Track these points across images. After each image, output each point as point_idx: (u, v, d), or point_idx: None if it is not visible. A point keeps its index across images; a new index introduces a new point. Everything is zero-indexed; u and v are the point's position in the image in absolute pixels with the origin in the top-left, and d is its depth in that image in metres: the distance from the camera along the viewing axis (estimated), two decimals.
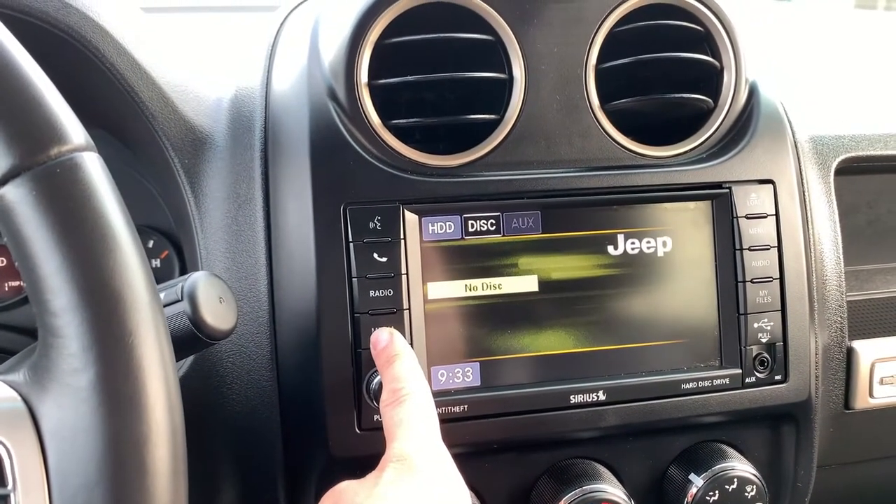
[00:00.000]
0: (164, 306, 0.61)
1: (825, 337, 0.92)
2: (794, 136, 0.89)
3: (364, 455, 0.74)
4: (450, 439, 0.76)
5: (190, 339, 0.62)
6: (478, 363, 0.78)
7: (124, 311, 0.44)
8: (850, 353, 0.97)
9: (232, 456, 0.80)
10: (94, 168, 0.46)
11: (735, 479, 0.82)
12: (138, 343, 0.44)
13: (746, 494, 0.82)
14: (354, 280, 0.73)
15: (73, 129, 0.46)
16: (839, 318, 0.93)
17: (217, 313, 0.62)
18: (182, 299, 0.61)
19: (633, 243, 0.81)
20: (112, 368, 0.43)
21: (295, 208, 0.75)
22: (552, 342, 0.79)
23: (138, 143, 0.87)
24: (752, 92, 0.86)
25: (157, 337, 0.46)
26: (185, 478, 0.47)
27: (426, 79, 0.76)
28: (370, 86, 0.77)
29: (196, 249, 0.81)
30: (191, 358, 0.78)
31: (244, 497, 0.80)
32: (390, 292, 0.74)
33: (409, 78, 0.76)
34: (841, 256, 0.94)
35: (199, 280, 0.62)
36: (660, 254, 0.82)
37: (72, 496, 0.43)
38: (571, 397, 0.78)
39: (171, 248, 0.97)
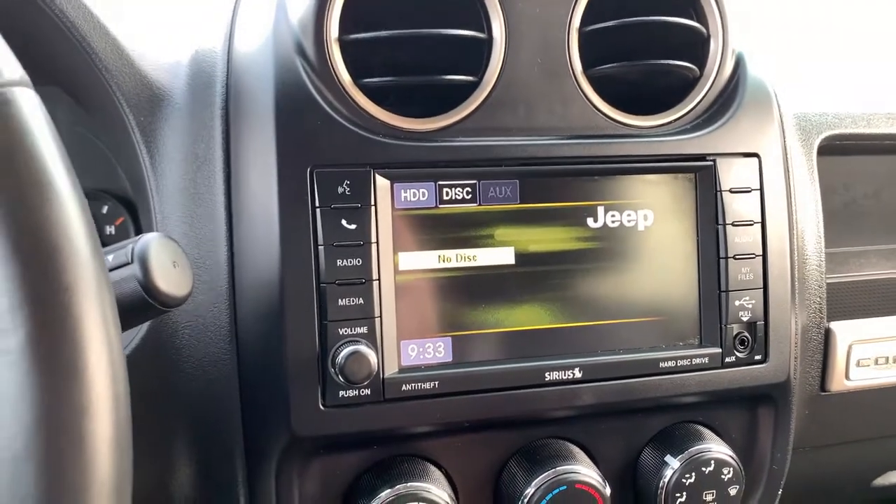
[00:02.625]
0: (113, 269, 0.57)
1: (804, 317, 0.90)
2: (779, 110, 0.87)
3: (328, 434, 0.70)
4: (419, 418, 0.73)
5: (140, 305, 0.57)
6: (450, 338, 0.74)
7: (60, 264, 0.39)
8: (827, 334, 0.95)
9: (188, 432, 0.75)
10: (29, 105, 0.41)
11: (712, 461, 0.79)
12: (76, 301, 0.40)
13: (723, 477, 0.80)
14: (321, 248, 0.69)
15: (5, 62, 0.41)
16: (818, 299, 0.92)
17: (170, 278, 0.58)
18: (132, 262, 0.56)
19: (613, 216, 0.78)
20: (45, 329, 0.39)
21: (257, 170, 0.70)
22: (528, 317, 0.76)
23: (92, 100, 0.82)
24: (739, 62, 0.83)
25: (98, 294, 0.41)
26: (129, 454, 0.42)
27: (400, 34, 0.71)
28: (341, 41, 0.72)
29: (152, 214, 0.76)
30: (144, 327, 0.73)
31: (200, 475, 0.76)
32: (359, 261, 0.70)
33: (382, 33, 0.71)
34: (822, 236, 0.92)
35: (151, 242, 0.57)
36: (640, 227, 0.78)
37: None
38: (546, 374, 0.75)
39: (126, 215, 0.92)
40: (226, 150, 0.74)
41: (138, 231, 0.92)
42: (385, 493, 0.71)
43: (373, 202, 0.70)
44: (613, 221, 0.78)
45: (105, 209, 0.92)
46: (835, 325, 0.95)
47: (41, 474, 0.38)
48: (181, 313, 0.73)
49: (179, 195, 0.74)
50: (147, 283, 0.56)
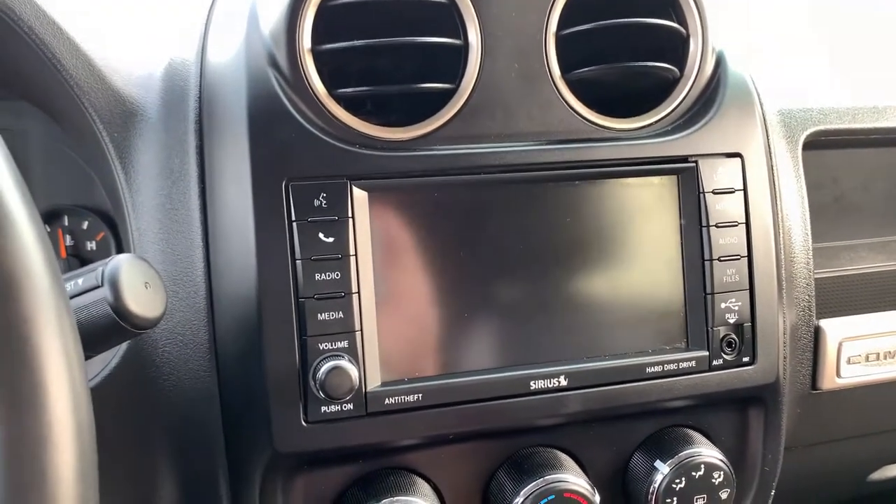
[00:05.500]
0: (83, 293, 0.56)
1: (793, 316, 0.89)
2: (762, 108, 0.86)
3: (311, 450, 0.69)
4: (404, 431, 0.72)
5: (112, 328, 0.56)
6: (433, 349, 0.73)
7: (18, 295, 0.39)
8: (817, 332, 0.94)
9: (170, 451, 0.74)
10: None
11: (702, 466, 0.79)
12: (35, 332, 0.39)
13: (713, 481, 0.79)
14: (298, 262, 0.68)
15: None
16: (807, 297, 0.91)
17: (142, 300, 0.57)
18: (102, 285, 0.56)
19: (596, 220, 0.77)
20: (3, 362, 0.38)
21: (232, 185, 0.69)
22: (513, 324, 0.75)
23: (65, 117, 0.81)
24: (719, 61, 0.82)
25: (58, 325, 0.40)
26: (95, 483, 0.42)
27: (374, 43, 0.70)
28: (314, 52, 0.71)
29: (128, 230, 0.75)
30: (123, 347, 0.72)
31: (185, 494, 0.75)
32: (338, 275, 0.69)
33: (356, 42, 0.70)
34: (809, 233, 0.91)
35: (121, 263, 0.56)
36: (624, 231, 0.78)
37: None
38: (531, 383, 0.74)
39: (107, 230, 0.91)
40: (200, 165, 0.73)
41: (119, 246, 0.91)
42: None
43: (350, 214, 0.69)
44: (596, 226, 0.77)
45: (85, 225, 0.91)
46: (824, 323, 0.94)
47: None
48: (160, 331, 0.72)
49: (155, 211, 0.73)
50: (118, 306, 0.55)
